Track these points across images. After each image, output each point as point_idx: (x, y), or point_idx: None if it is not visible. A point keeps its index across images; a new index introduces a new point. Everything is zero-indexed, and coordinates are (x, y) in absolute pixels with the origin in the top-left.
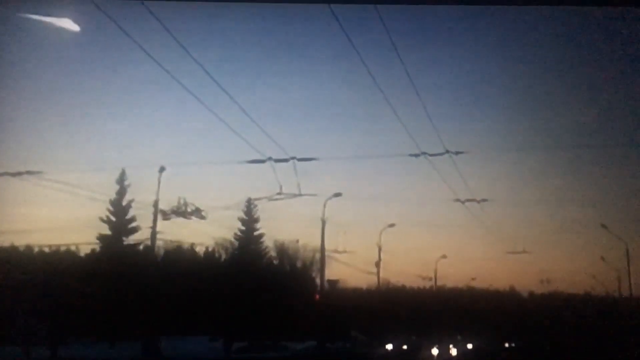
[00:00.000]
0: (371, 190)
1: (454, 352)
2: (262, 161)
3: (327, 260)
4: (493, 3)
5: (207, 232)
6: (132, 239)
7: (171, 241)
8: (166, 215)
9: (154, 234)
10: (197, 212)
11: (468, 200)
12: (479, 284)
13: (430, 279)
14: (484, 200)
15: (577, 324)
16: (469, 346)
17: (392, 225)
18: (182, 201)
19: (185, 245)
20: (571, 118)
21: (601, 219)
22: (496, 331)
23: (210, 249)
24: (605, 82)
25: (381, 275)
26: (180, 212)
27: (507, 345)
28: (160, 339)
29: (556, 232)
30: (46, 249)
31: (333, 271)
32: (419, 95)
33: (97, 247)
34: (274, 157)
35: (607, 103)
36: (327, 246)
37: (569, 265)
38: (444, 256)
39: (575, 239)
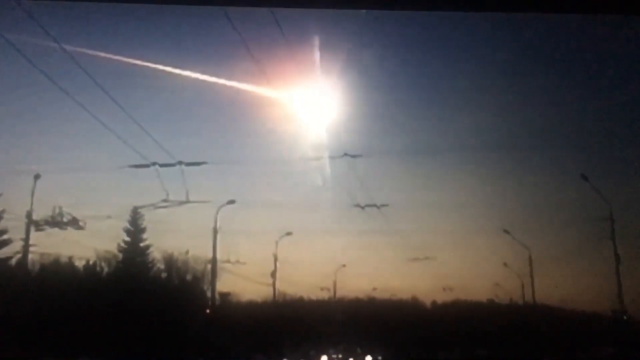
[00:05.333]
0: (266, 197)
1: None
2: (147, 166)
3: (219, 272)
4: (400, 9)
5: (88, 244)
6: (2, 252)
7: (47, 254)
8: (40, 226)
9: (26, 247)
10: (75, 222)
11: (368, 205)
12: (380, 294)
13: (329, 289)
14: (384, 205)
15: (482, 332)
16: (369, 358)
17: (289, 233)
18: (57, 210)
19: (63, 259)
20: (473, 120)
21: (503, 224)
22: (397, 343)
23: (91, 262)
24: (508, 84)
25: (278, 286)
26: (56, 222)
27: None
28: None
29: (458, 238)
30: None
31: (226, 283)
32: (315, 96)
33: None
34: (159, 161)
35: (510, 105)
36: (219, 257)
37: (472, 271)
38: (344, 265)
39: (478, 245)
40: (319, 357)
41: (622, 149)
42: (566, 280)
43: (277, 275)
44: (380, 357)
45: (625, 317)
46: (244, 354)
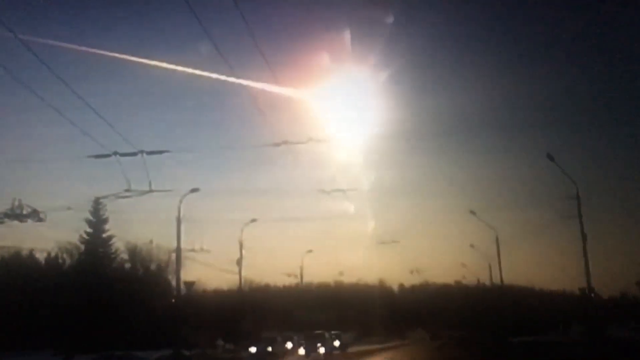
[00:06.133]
0: (231, 184)
1: (321, 350)
2: (107, 156)
3: (184, 261)
4: None
5: (49, 236)
6: None
7: (7, 248)
8: None
9: None
10: (35, 214)
11: (334, 190)
12: (347, 278)
13: (296, 275)
14: (351, 189)
15: (450, 313)
16: (337, 343)
17: (254, 220)
18: (16, 202)
19: (24, 252)
20: (438, 102)
21: (470, 205)
22: (365, 326)
23: (52, 255)
24: (472, 64)
25: (244, 274)
26: (15, 214)
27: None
28: None
29: (425, 220)
30: None
31: (191, 272)
32: (276, 81)
33: None
34: (119, 150)
35: (474, 86)
36: (184, 246)
37: (439, 254)
38: (310, 251)
39: (444, 227)
40: (286, 344)
41: (588, 128)
42: (533, 260)
43: (243, 262)
44: (347, 342)
45: (592, 295)
46: (210, 342)
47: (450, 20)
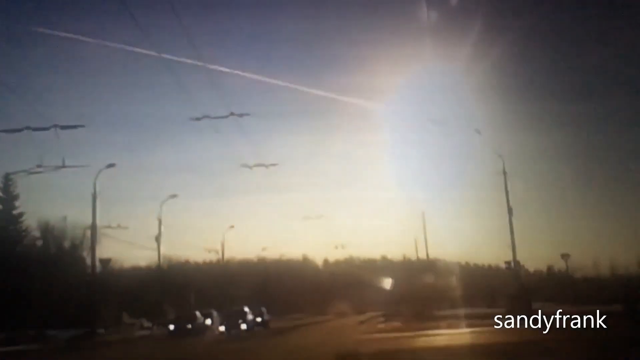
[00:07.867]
0: (150, 159)
1: (243, 326)
2: (18, 130)
3: (100, 238)
4: None
5: None
6: None
7: None
8: None
9: None
10: None
11: (256, 165)
12: (270, 253)
13: (217, 251)
14: (274, 164)
15: (375, 289)
16: (258, 320)
17: (173, 196)
18: None
19: None
20: (365, 72)
21: (397, 180)
22: (287, 302)
23: None
24: (403, 38)
25: (163, 250)
26: None
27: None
28: None
29: (352, 195)
30: None
31: (108, 249)
32: (199, 53)
33: None
34: (31, 125)
35: (403, 59)
36: (100, 222)
37: (365, 229)
38: (232, 226)
39: (371, 201)
40: (205, 320)
41: (514, 102)
42: (460, 234)
43: (162, 239)
44: (269, 317)
45: (518, 269)
46: (126, 320)
47: None
